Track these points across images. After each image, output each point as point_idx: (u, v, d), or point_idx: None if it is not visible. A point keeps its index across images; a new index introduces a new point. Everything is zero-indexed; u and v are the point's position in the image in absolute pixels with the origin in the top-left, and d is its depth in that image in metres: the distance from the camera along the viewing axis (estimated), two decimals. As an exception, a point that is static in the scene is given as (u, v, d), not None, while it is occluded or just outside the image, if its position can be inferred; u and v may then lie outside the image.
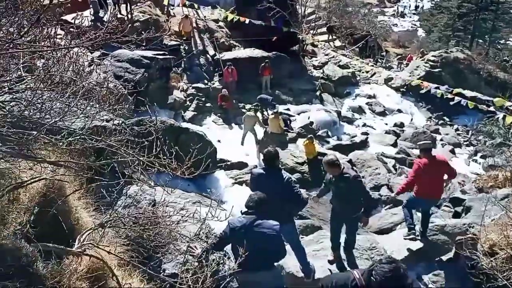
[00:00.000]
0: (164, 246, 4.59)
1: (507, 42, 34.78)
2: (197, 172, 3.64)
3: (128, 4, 17.44)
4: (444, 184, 7.33)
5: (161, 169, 3.46)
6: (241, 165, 11.84)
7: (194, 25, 19.78)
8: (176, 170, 3.49)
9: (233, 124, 15.92)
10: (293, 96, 19.15)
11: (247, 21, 19.68)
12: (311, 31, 25.55)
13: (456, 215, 8.92)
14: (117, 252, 3.60)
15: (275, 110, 14.28)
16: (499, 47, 32.15)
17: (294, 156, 12.14)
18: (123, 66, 12.47)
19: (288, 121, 15.54)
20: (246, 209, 4.52)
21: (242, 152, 13.49)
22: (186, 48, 18.70)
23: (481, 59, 24.71)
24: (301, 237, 7.84)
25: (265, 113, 15.93)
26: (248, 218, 4.40)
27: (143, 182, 4.15)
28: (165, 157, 3.42)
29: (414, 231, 7.03)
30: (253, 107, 15.15)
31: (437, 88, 17.17)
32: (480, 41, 32.18)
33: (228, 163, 11.77)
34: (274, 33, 20.04)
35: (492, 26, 31.07)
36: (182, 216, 4.51)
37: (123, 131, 4.06)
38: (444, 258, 6.39)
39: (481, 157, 15.27)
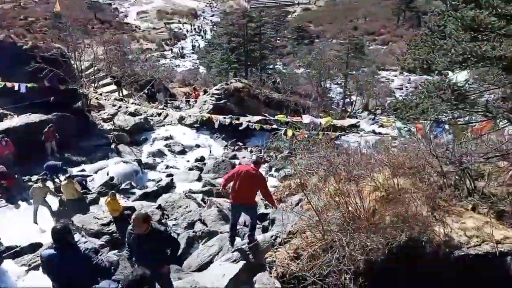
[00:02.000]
0: None
1: (275, 66, 39.80)
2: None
3: None
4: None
5: None
6: (34, 247, 10.36)
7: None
8: None
9: (20, 202, 13.82)
10: (86, 155, 17.98)
11: (16, 85, 17.85)
12: (93, 84, 24.70)
13: (265, 229, 9.56)
14: None
15: (67, 175, 13.12)
16: (269, 72, 36.48)
17: (98, 218, 11.32)
18: None
19: (84, 182, 14.51)
20: None
21: (36, 230, 11.89)
22: None
23: (257, 85, 27.58)
24: None
25: (57, 180, 14.57)
26: None
27: None
28: None
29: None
30: (40, 177, 13.65)
31: (224, 118, 18.35)
32: (254, 69, 36.02)
33: (17, 248, 10.25)
34: (51, 94, 18.62)
35: (260, 54, 35.10)
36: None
37: None
38: (259, 276, 6.64)
39: (276, 170, 16.76)
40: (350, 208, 6.12)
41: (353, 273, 5.49)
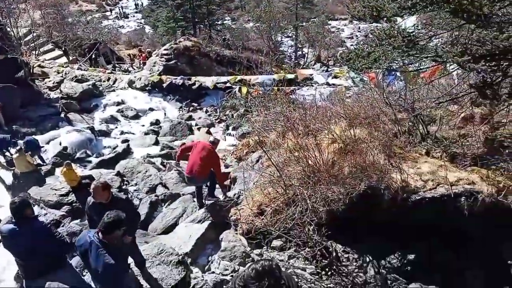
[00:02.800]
0: None
1: (224, 22, 38.64)
2: None
3: None
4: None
5: None
6: (-9, 222, 10.06)
7: None
8: None
9: (-29, 179, 13.29)
10: (35, 125, 17.12)
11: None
12: (34, 52, 23.22)
13: (228, 188, 9.59)
14: None
15: (17, 148, 12.55)
16: (218, 28, 35.43)
17: (56, 190, 11.02)
18: None
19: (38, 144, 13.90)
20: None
21: (-9, 205, 11.53)
22: None
23: (207, 43, 26.83)
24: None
25: (8, 154, 13.89)
26: None
27: None
28: None
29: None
30: None
31: (175, 79, 17.81)
32: (202, 26, 34.80)
33: (-25, 226, 9.86)
34: (-11, 65, 17.44)
35: (207, 10, 33.77)
36: None
37: None
38: (225, 233, 6.72)
39: (233, 129, 16.69)
40: (309, 162, 6.20)
41: (316, 224, 5.65)
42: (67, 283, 5.44)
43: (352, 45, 29.93)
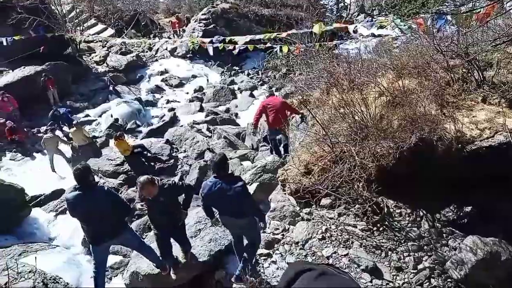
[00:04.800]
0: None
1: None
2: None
3: None
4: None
5: None
6: (58, 193, 10.69)
7: None
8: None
9: (35, 154, 14.07)
10: (87, 100, 17.80)
11: (3, 41, 17.15)
12: (78, 28, 23.75)
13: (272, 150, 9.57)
14: None
15: (74, 122, 13.14)
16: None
17: (111, 160, 11.60)
18: None
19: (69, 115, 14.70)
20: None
21: (56, 178, 12.26)
22: None
23: (245, 3, 26.29)
24: (146, 234, 7.75)
25: (65, 128, 14.58)
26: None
27: None
28: None
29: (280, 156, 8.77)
30: (48, 127, 13.71)
31: (210, 42, 17.47)
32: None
33: (42, 197, 10.55)
34: (39, 43, 17.96)
35: (240, -32, 32.85)
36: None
37: None
38: (273, 194, 6.73)
39: (276, 90, 16.45)
40: (356, 118, 6.00)
41: (366, 180, 5.51)
42: (128, 244, 5.78)
43: (397, -9, 28.22)
